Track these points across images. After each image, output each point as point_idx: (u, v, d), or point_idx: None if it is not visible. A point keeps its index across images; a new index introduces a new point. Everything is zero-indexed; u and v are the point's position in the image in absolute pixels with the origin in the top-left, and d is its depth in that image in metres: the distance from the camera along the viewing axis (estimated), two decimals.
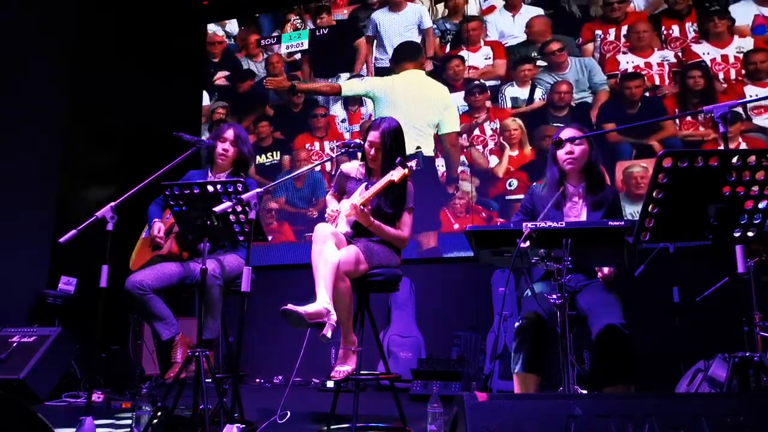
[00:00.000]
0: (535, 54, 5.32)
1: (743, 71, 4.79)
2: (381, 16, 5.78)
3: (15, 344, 3.71)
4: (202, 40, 6.25)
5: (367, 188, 2.84)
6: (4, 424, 1.27)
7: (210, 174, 3.24)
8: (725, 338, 2.53)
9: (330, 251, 2.58)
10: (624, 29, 5.14)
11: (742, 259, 1.99)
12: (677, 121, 4.80)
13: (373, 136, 2.90)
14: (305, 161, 5.69)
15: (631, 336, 2.30)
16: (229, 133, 3.20)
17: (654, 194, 1.92)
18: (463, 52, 5.48)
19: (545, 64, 5.26)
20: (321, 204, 5.48)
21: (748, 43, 4.85)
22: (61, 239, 2.60)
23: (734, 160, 1.88)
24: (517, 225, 2.14)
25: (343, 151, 2.98)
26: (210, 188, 2.53)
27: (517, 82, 5.31)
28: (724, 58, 4.88)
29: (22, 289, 4.40)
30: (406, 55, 5.63)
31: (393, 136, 2.90)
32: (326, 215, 2.88)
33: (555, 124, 5.10)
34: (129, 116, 5.41)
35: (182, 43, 6.03)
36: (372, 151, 2.91)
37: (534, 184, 3.00)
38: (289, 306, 2.40)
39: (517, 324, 2.50)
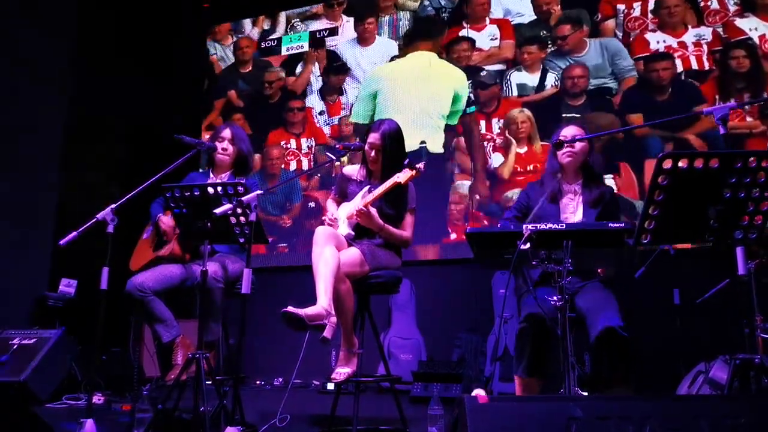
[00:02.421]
0: (545, 33, 4.75)
1: None
2: None
3: (16, 346, 3.70)
4: (203, 41, 6.25)
5: (370, 191, 2.84)
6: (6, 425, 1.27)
7: (212, 175, 3.25)
8: (726, 340, 2.53)
9: (330, 253, 2.58)
10: (651, 3, 4.49)
11: (742, 261, 1.99)
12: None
13: (373, 138, 2.90)
14: (278, 160, 5.38)
15: (629, 338, 2.30)
16: (226, 132, 3.21)
17: (654, 196, 1.93)
18: (465, 31, 4.97)
19: (555, 47, 4.66)
20: (295, 210, 5.24)
21: None
22: (62, 241, 2.61)
23: (735, 162, 1.88)
24: (512, 224, 2.15)
25: (344, 153, 2.98)
26: (210, 190, 2.54)
27: (525, 66, 4.67)
28: None
29: (22, 291, 4.40)
30: (423, 33, 5.08)
31: (393, 137, 2.90)
32: (326, 222, 2.88)
33: (567, 114, 4.53)
34: (130, 117, 5.41)
35: (183, 44, 6.03)
36: (372, 153, 2.91)
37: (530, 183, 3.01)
38: (290, 308, 2.40)
39: (518, 328, 2.51)
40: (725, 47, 4.31)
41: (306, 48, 5.75)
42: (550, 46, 4.78)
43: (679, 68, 4.42)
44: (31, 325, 4.12)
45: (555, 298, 2.17)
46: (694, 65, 4.35)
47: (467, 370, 4.16)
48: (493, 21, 4.95)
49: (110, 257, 2.63)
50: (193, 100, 6.03)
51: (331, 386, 4.19)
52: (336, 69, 5.54)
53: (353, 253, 2.69)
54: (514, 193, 4.60)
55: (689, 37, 4.39)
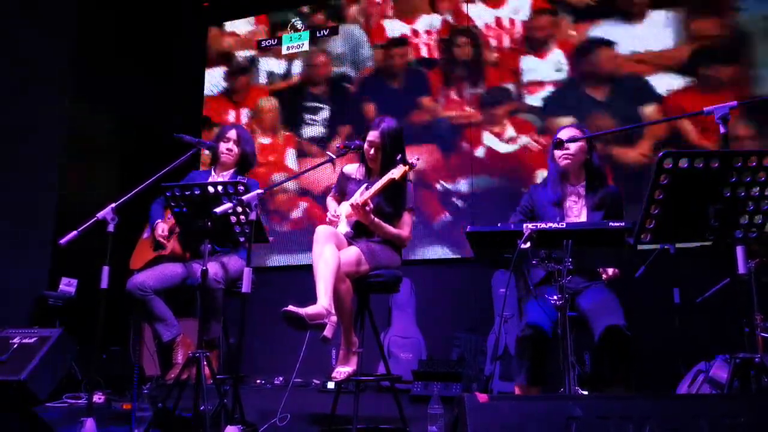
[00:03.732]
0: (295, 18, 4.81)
1: (524, 37, 4.26)
2: None
3: (16, 345, 3.70)
4: (203, 40, 6.24)
5: (367, 188, 2.84)
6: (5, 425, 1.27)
7: (214, 174, 3.25)
8: (726, 339, 2.53)
9: (330, 252, 2.58)
10: None
11: (743, 260, 1.99)
12: None
13: (373, 135, 2.90)
14: None
15: (633, 338, 2.30)
16: (232, 133, 3.22)
17: (655, 195, 1.93)
18: None
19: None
20: None
21: (525, 4, 4.31)
22: (62, 240, 2.61)
23: (735, 161, 1.88)
24: (517, 226, 2.14)
25: (344, 152, 2.98)
26: (210, 189, 2.54)
27: (274, 53, 4.78)
28: (499, 21, 4.35)
29: (22, 290, 4.40)
30: None
31: (392, 136, 2.90)
32: (327, 219, 2.88)
33: (311, 104, 4.74)
34: (130, 117, 5.41)
35: (183, 44, 6.03)
36: (371, 151, 2.92)
37: (533, 184, 3.01)
38: (290, 307, 2.40)
39: (518, 335, 2.50)
40: (451, 35, 4.42)
41: (306, 48, 5.76)
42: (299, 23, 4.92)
43: (413, 56, 4.53)
44: (31, 324, 4.12)
45: (555, 297, 2.17)
46: (425, 53, 4.45)
47: (467, 369, 4.16)
48: None
49: (110, 256, 2.63)
50: (193, 100, 6.03)
51: (331, 385, 4.19)
52: None
53: (353, 253, 2.69)
54: None
55: (422, 25, 4.46)
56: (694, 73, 4.31)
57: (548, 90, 4.55)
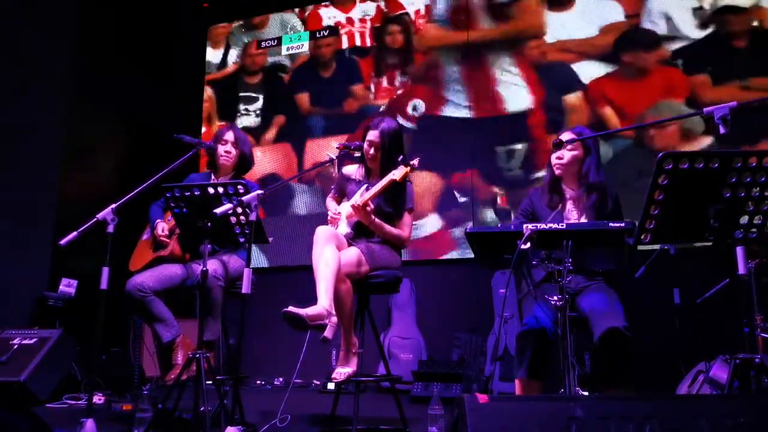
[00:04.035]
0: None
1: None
2: None
3: (16, 346, 3.69)
4: (203, 40, 6.24)
5: (368, 189, 2.84)
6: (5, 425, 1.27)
7: (213, 178, 3.24)
8: (726, 340, 2.53)
9: (331, 253, 2.58)
10: None
11: (743, 261, 1.99)
12: None
13: (373, 135, 2.90)
14: None
15: (633, 338, 2.30)
16: (230, 135, 3.20)
17: (655, 196, 1.93)
18: None
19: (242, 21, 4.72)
20: None
21: None
22: (62, 241, 2.61)
23: (735, 161, 1.88)
24: (517, 227, 2.14)
25: (344, 152, 2.98)
26: (210, 190, 2.54)
27: (211, 42, 4.87)
28: (429, 8, 4.32)
29: (22, 291, 4.40)
30: None
31: (392, 136, 2.90)
32: (328, 218, 2.88)
33: (245, 93, 4.76)
34: (130, 117, 5.41)
35: (183, 44, 6.03)
36: (371, 151, 2.92)
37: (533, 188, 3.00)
38: (291, 308, 2.40)
39: (519, 332, 2.50)
40: (384, 22, 4.42)
41: (306, 48, 5.77)
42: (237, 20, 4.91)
43: (346, 44, 4.53)
44: (31, 325, 4.12)
45: (555, 297, 2.17)
46: (358, 41, 4.47)
47: (467, 369, 4.16)
48: None
49: (110, 257, 2.63)
50: (193, 100, 6.03)
51: (331, 386, 4.19)
52: None
53: (353, 253, 2.69)
54: None
55: (357, 12, 4.45)
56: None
57: None
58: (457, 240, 4.79)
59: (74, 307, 4.41)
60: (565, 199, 2.74)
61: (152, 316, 2.85)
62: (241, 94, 5.06)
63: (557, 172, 2.70)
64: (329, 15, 4.63)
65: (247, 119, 5.56)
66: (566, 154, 2.66)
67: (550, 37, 4.61)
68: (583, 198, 2.69)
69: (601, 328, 2.32)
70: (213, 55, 5.26)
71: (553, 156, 2.70)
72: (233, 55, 4.84)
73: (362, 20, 4.50)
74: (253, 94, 5.07)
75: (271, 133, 5.32)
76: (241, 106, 5.54)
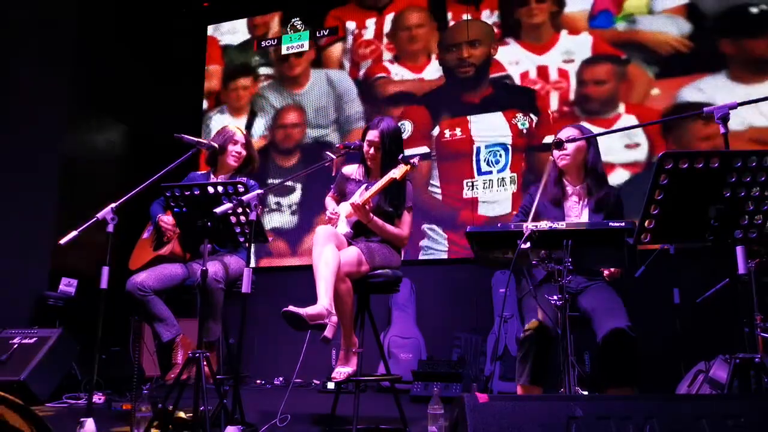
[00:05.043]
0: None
1: None
2: None
3: (16, 345, 3.71)
4: (203, 41, 6.24)
5: (367, 188, 2.84)
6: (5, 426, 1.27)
7: (213, 177, 3.23)
8: (726, 339, 2.53)
9: (331, 253, 2.58)
10: None
11: (743, 261, 1.99)
12: None
13: (372, 135, 2.90)
14: None
15: (637, 339, 2.30)
16: (240, 136, 3.20)
17: (655, 195, 1.92)
18: None
19: None
20: None
21: None
22: (62, 240, 2.60)
23: (735, 161, 1.88)
24: (517, 226, 2.14)
25: (343, 153, 2.98)
26: (210, 189, 2.53)
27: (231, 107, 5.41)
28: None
29: (23, 291, 4.40)
30: None
31: (392, 136, 2.90)
32: (327, 217, 2.88)
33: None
34: (129, 117, 5.41)
35: (183, 44, 6.03)
36: (371, 151, 2.91)
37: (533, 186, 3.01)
38: (291, 308, 2.40)
39: (521, 335, 2.50)
40: None
41: (306, 47, 5.79)
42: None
43: None
44: (31, 324, 4.12)
45: (555, 297, 2.16)
46: None
47: (467, 369, 4.16)
48: None
49: (110, 256, 2.63)
50: (193, 100, 6.03)
51: (331, 385, 4.19)
52: None
53: (353, 253, 2.69)
54: None
55: None
56: None
57: None
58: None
59: (74, 306, 4.41)
60: (567, 194, 2.75)
61: (152, 316, 2.84)
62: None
63: (563, 163, 2.71)
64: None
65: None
66: (570, 147, 2.68)
67: None
68: (585, 192, 2.71)
69: (605, 329, 2.32)
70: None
71: (556, 153, 2.71)
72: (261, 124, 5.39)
73: None
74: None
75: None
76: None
